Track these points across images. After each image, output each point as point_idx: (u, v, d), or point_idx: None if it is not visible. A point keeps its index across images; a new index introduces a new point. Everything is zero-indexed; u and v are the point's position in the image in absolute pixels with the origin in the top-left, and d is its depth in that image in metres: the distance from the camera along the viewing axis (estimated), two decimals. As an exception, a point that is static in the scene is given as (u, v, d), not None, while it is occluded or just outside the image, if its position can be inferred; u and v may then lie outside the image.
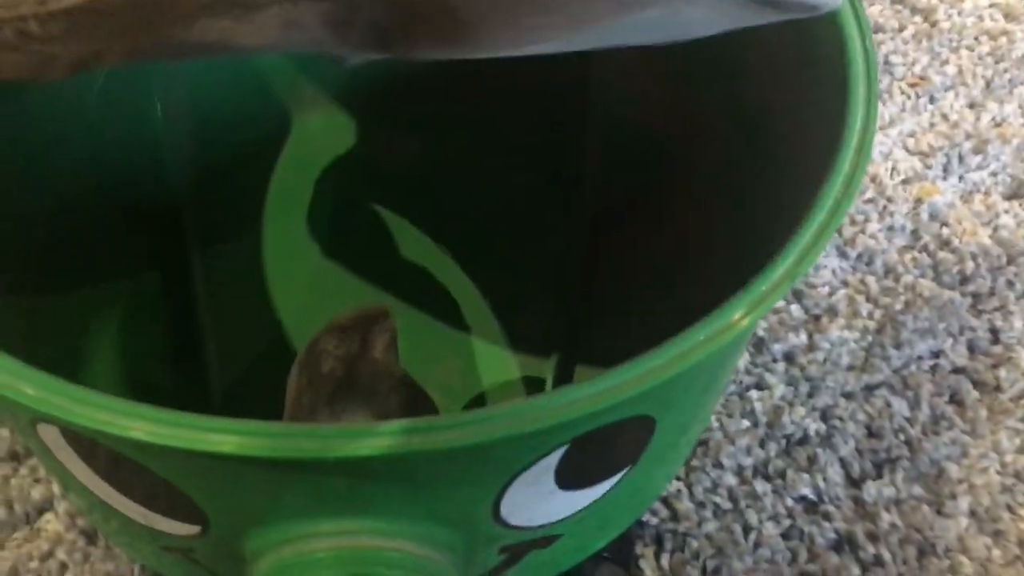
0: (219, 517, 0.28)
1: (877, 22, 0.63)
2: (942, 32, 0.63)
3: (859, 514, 0.44)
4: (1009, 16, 0.64)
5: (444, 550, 0.29)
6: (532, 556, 0.34)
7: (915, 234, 0.53)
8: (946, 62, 0.61)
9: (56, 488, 0.43)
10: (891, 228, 0.54)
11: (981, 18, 0.64)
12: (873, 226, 0.53)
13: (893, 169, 0.56)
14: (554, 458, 0.28)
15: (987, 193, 0.55)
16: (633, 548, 0.42)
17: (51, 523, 0.42)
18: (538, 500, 0.30)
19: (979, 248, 0.53)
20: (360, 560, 0.28)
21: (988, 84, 0.60)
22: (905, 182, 0.56)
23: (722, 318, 0.26)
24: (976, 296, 0.51)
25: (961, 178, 0.56)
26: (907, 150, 0.57)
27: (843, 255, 0.53)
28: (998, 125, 0.58)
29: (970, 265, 0.52)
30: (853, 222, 0.54)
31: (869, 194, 0.55)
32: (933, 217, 0.54)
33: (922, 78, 0.61)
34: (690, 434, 0.36)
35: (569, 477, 0.30)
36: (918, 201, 0.55)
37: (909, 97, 0.60)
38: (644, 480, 0.35)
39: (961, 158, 0.57)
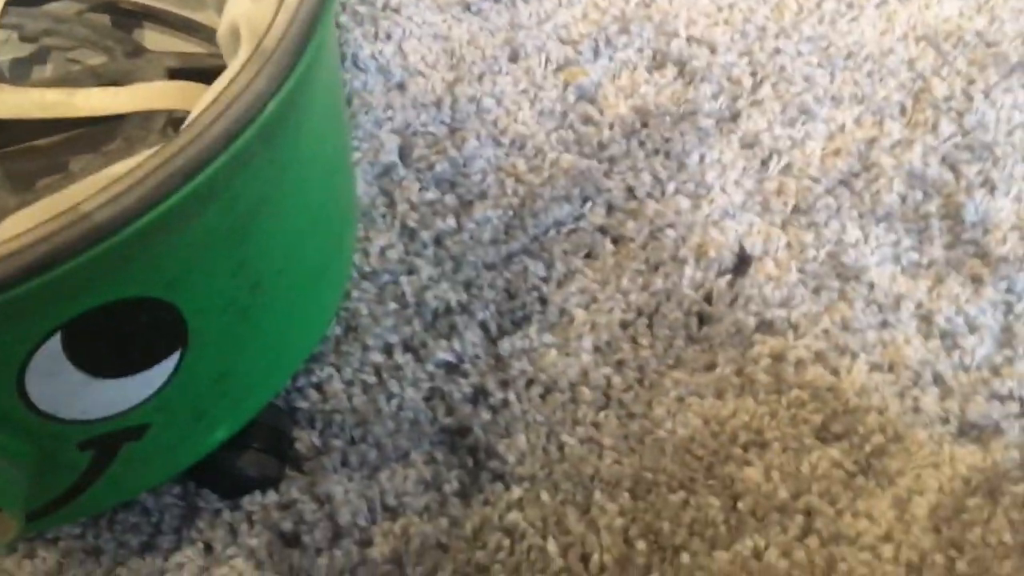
0: None
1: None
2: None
3: (494, 368, 0.48)
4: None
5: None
6: (128, 450, 0.36)
7: (563, 115, 0.57)
8: (599, -44, 0.65)
9: None
10: (542, 113, 0.58)
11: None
12: (525, 114, 0.57)
13: (546, 60, 0.60)
14: (53, 346, 0.31)
15: (633, 69, 0.60)
16: (283, 436, 0.45)
17: None
18: (77, 389, 0.33)
19: (618, 118, 0.57)
20: None
21: (636, -31, 0.64)
22: (557, 70, 0.60)
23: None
24: (612, 160, 0.55)
25: (610, 59, 0.60)
26: (560, 40, 0.61)
27: (497, 143, 0.56)
28: (647, 6, 0.62)
29: (607, 134, 0.56)
30: (508, 113, 0.57)
31: (523, 86, 0.59)
32: (580, 97, 0.58)
33: (576, -26, 0.64)
34: (257, 317, 0.38)
35: (93, 365, 0.32)
36: (567, 84, 0.59)
37: (565, -7, 0.64)
38: (222, 366, 0.37)
39: (608, 40, 0.61)
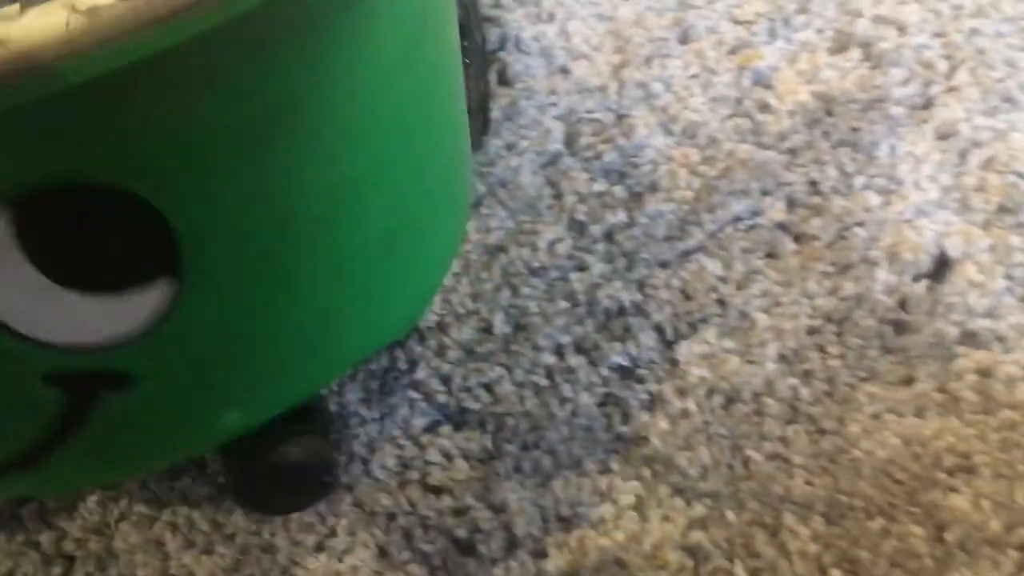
0: None
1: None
2: (769, -102, 0.62)
3: (671, 374, 0.45)
4: None
5: None
6: (111, 407, 0.30)
7: (738, 101, 0.54)
8: (774, -72, 0.61)
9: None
10: (715, 99, 0.54)
11: None
12: (697, 100, 0.54)
13: (719, 41, 0.57)
14: (2, 229, 0.25)
15: (813, 51, 0.56)
16: (326, 416, 0.43)
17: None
18: (34, 295, 0.27)
19: (798, 105, 0.53)
20: None
21: (815, -57, 0.60)
22: (730, 52, 0.56)
23: None
24: (793, 152, 0.52)
25: (788, 40, 0.56)
26: (733, 20, 0.58)
27: (668, 132, 0.54)
28: (825, -18, 0.58)
29: (787, 123, 0.52)
30: (678, 98, 0.55)
31: (693, 69, 0.56)
32: (756, 82, 0.55)
33: (749, -52, 0.61)
34: (286, 270, 0.31)
35: (53, 267, 0.26)
36: (741, 68, 0.55)
37: (737, -32, 0.60)
38: (233, 323, 0.31)
39: (786, 20, 0.57)
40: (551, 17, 0.59)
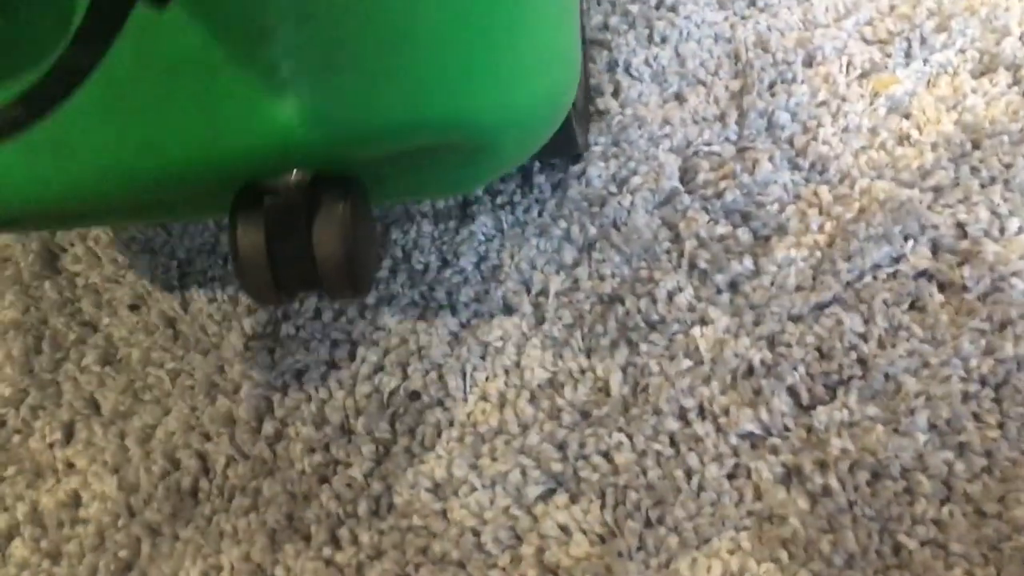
0: None
1: (828, -95, 0.58)
2: (901, -98, 0.57)
3: (808, 443, 0.41)
4: None
5: None
6: (145, 23, 0.26)
7: (872, 132, 0.50)
8: (906, -65, 0.56)
9: (20, 514, 0.45)
10: (846, 130, 0.50)
11: None
12: (826, 131, 0.50)
13: (848, 64, 0.52)
14: None
15: (954, 74, 0.51)
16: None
17: (18, 549, 0.45)
18: None
19: (941, 137, 0.48)
20: None
21: (954, -49, 0.55)
22: (862, 76, 0.52)
23: None
24: (937, 190, 0.47)
25: (926, 61, 0.52)
26: (864, 40, 0.53)
27: (795, 167, 0.49)
28: (967, -5, 0.53)
29: (930, 157, 0.48)
30: (805, 129, 0.50)
31: (822, 96, 0.51)
32: (892, 110, 0.50)
33: (879, -42, 0.56)
34: None
35: None
36: (875, 95, 0.51)
37: (866, -19, 0.55)
38: None
39: (924, 40, 0.52)
40: (664, 39, 0.55)
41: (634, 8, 0.56)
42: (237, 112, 0.28)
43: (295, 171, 0.30)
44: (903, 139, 0.49)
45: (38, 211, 0.32)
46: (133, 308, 0.51)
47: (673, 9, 0.56)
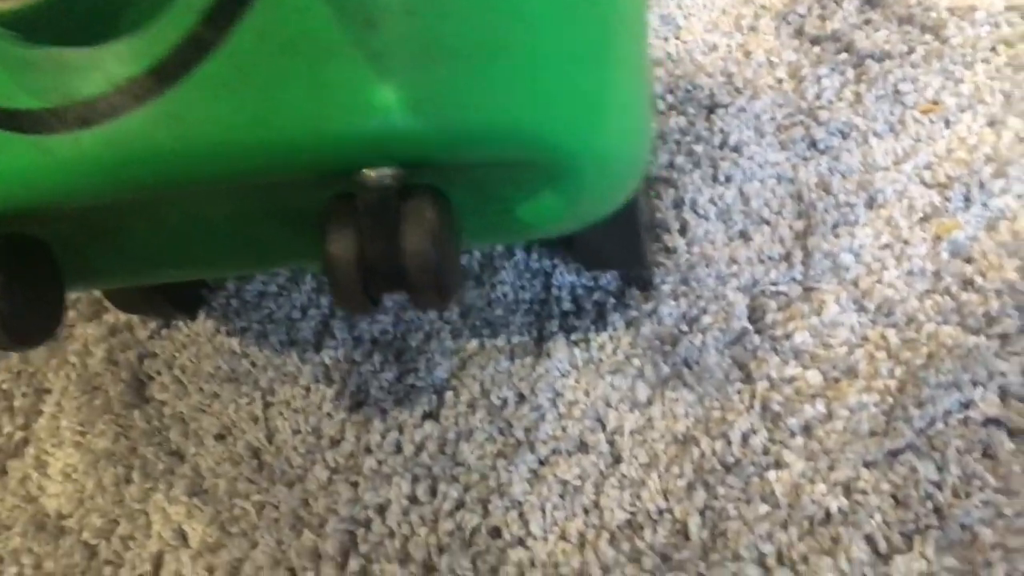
0: None
1: (883, 48, 0.61)
2: (954, 49, 0.60)
3: (888, 594, 0.42)
4: (1028, 16, 0.61)
5: None
6: (269, 1, 0.29)
7: (936, 276, 0.51)
8: (960, 80, 0.59)
9: None
10: (910, 273, 0.52)
11: (996, 25, 0.61)
12: (891, 273, 0.52)
13: (909, 207, 0.54)
14: None
15: (1013, 219, 0.53)
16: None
17: None
18: None
19: (1005, 284, 0.50)
20: None
21: (1008, 98, 0.57)
22: (923, 219, 0.54)
23: None
24: (1004, 337, 0.48)
25: (985, 205, 0.54)
26: (924, 184, 0.55)
27: (861, 308, 0.51)
28: (1022, 142, 0.55)
29: (995, 304, 0.49)
30: (870, 271, 0.52)
31: (884, 239, 0.53)
32: (955, 254, 0.52)
33: (935, 102, 0.58)
34: None
35: None
36: (937, 239, 0.53)
37: (923, 125, 0.57)
38: None
39: (982, 185, 0.54)
40: (728, 179, 0.57)
41: (699, 148, 0.59)
42: (343, 95, 0.29)
43: (387, 174, 0.30)
44: (967, 284, 0.51)
45: (149, 188, 0.31)
46: (219, 438, 0.53)
47: (736, 149, 0.58)
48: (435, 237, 0.31)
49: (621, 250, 0.51)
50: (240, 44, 0.29)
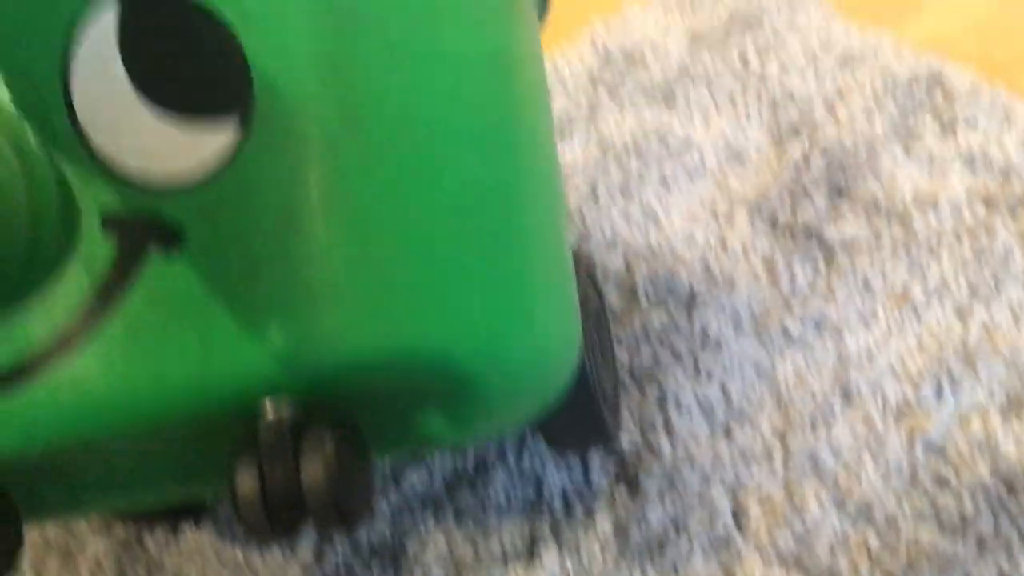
0: None
1: (852, 239, 0.64)
2: (919, 238, 0.63)
3: None
4: (989, 204, 0.64)
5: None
6: (155, 267, 0.31)
7: (913, 474, 0.53)
8: (927, 270, 0.61)
9: None
10: (887, 472, 0.53)
11: (960, 213, 0.64)
12: (869, 473, 0.54)
13: (884, 403, 0.56)
14: (110, 14, 0.28)
15: (983, 414, 0.55)
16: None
17: None
18: (117, 108, 0.29)
19: (979, 484, 0.52)
20: None
21: (973, 289, 0.60)
22: (898, 415, 0.56)
23: None
24: (980, 542, 0.50)
25: (956, 400, 0.56)
26: (896, 378, 0.57)
27: (842, 509, 0.53)
28: (989, 335, 0.58)
29: (969, 506, 0.51)
30: (848, 470, 0.54)
31: (861, 436, 0.55)
32: (929, 451, 0.54)
33: (904, 294, 0.61)
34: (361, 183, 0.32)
35: (139, 68, 0.29)
36: (912, 436, 0.54)
37: (894, 316, 0.60)
38: (292, 212, 0.31)
39: (953, 379, 0.56)
40: (710, 375, 0.60)
41: (680, 343, 0.61)
42: (231, 344, 0.31)
43: (283, 408, 0.32)
44: (942, 483, 0.52)
45: (55, 456, 0.34)
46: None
47: (717, 344, 0.61)
48: (333, 470, 0.31)
49: (580, 430, 0.53)
50: (132, 306, 0.31)
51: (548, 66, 0.84)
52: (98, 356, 0.31)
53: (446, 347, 0.34)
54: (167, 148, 0.30)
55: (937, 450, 0.54)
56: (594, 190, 0.71)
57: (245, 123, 0.30)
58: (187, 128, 0.30)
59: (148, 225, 0.30)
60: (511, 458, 0.58)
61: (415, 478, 0.59)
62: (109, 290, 0.30)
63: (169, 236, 0.31)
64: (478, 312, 0.35)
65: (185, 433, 0.35)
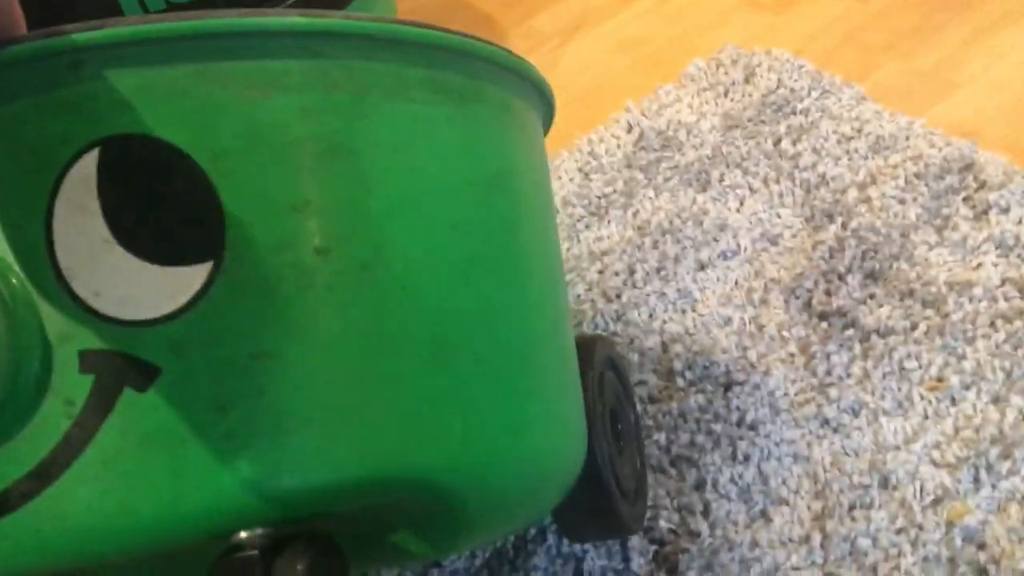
0: None
1: (887, 324, 0.65)
2: (954, 324, 0.64)
3: None
4: (1023, 290, 0.65)
5: None
6: (129, 402, 0.31)
7: (952, 563, 0.53)
8: (963, 357, 0.62)
9: None
10: (926, 559, 0.54)
11: (994, 300, 0.65)
12: (907, 560, 0.54)
13: (921, 490, 0.57)
14: (90, 163, 0.29)
15: (1022, 502, 0.55)
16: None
17: None
18: (95, 252, 0.30)
19: (1017, 573, 0.52)
20: None
21: (1009, 375, 0.60)
22: (935, 502, 0.56)
23: None
24: (1020, 634, 0.50)
25: (994, 487, 0.56)
26: (933, 464, 0.58)
27: (881, 598, 0.53)
28: (1025, 420, 0.58)
29: (1010, 597, 0.51)
30: (887, 557, 0.54)
31: (899, 522, 0.55)
32: (968, 540, 0.54)
33: (940, 379, 0.62)
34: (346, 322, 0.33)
35: (117, 215, 0.30)
36: (950, 524, 0.55)
37: (930, 403, 0.61)
38: (265, 340, 0.31)
39: (990, 466, 0.57)
40: (747, 458, 0.60)
41: (717, 426, 0.62)
42: (201, 476, 0.32)
43: (256, 535, 0.32)
44: (981, 573, 0.53)
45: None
46: None
47: (753, 427, 0.62)
48: None
49: (595, 527, 0.52)
50: (106, 438, 0.32)
51: (584, 148, 0.86)
52: (73, 488, 0.32)
53: (424, 470, 0.34)
54: (144, 289, 0.31)
55: (975, 538, 0.54)
56: (631, 272, 0.73)
57: (218, 264, 0.31)
58: (162, 272, 0.31)
59: (125, 362, 0.31)
60: (551, 539, 0.59)
61: (456, 557, 0.60)
62: (85, 424, 0.31)
63: (146, 372, 0.31)
64: (458, 435, 0.35)
65: (159, 562, 0.36)
